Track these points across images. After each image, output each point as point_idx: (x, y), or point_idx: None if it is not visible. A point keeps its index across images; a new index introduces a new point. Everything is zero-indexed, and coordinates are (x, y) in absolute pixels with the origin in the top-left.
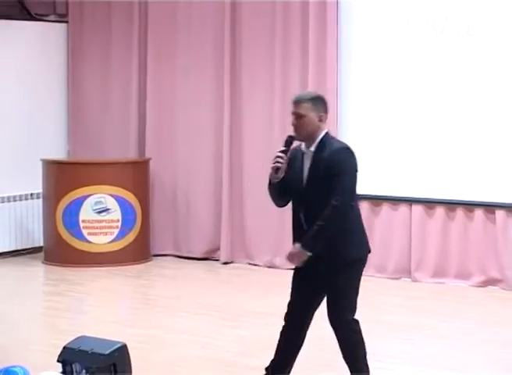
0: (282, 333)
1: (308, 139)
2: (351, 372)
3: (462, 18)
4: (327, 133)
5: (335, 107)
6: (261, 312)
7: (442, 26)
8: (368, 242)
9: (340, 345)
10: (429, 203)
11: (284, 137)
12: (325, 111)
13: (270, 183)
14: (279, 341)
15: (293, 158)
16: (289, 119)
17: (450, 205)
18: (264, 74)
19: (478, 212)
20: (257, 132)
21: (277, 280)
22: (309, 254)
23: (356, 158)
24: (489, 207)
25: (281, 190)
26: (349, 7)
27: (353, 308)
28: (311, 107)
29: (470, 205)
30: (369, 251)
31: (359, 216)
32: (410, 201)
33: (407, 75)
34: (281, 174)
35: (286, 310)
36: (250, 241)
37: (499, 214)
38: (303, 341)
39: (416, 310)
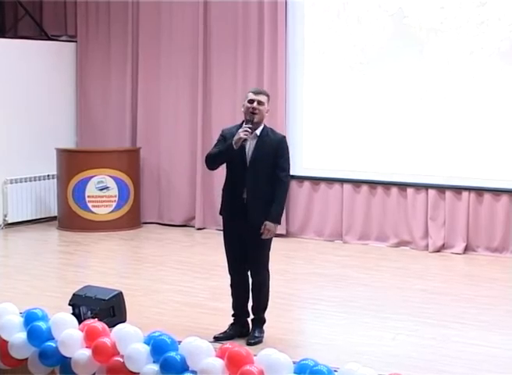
0: (232, 284)
1: (259, 123)
2: (253, 314)
3: (413, 12)
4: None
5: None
6: (225, 266)
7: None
8: None
9: (254, 289)
10: (356, 182)
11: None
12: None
13: (226, 149)
14: (232, 292)
15: (232, 137)
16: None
17: (372, 184)
18: (229, 77)
19: (394, 190)
20: (224, 126)
21: None
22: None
23: None
24: (402, 186)
25: (225, 157)
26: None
27: (269, 259)
28: (267, 100)
29: (387, 184)
30: None
31: None
32: (342, 181)
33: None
34: (240, 144)
35: (228, 266)
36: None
37: (410, 191)
38: (249, 286)
39: (344, 265)
